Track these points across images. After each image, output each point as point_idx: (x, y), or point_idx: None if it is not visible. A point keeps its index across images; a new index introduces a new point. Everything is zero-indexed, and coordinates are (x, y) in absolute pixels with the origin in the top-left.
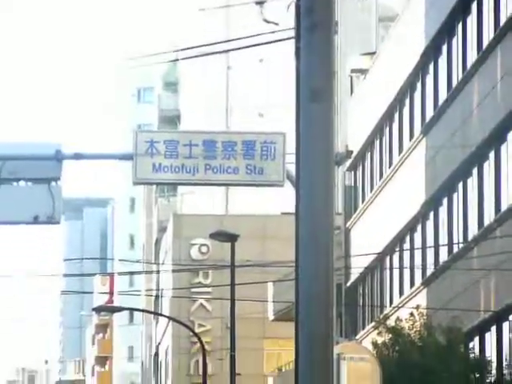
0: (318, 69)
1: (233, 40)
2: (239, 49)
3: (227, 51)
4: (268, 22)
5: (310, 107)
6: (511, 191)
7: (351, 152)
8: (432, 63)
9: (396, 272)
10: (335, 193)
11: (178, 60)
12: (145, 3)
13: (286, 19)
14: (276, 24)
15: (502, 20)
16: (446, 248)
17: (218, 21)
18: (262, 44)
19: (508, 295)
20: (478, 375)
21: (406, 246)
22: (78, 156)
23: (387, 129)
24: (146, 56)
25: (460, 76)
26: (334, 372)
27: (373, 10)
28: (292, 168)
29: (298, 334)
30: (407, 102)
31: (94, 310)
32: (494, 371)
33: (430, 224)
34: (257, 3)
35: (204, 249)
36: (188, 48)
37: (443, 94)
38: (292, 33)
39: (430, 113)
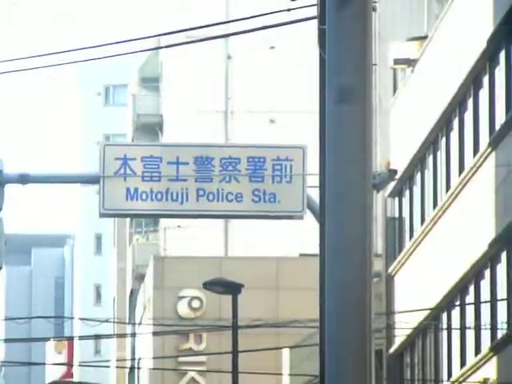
0: (349, 60)
1: (233, 21)
2: (242, 33)
3: (226, 36)
4: None
5: (340, 110)
6: None
7: (395, 172)
8: (503, 49)
9: (456, 334)
10: (373, 227)
11: (160, 48)
12: None
13: None
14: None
15: None
16: None
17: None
18: (273, 26)
19: None
20: None
21: (470, 298)
22: (24, 178)
23: (443, 140)
24: (117, 43)
25: None
26: None
27: None
28: (315, 194)
29: None
30: (470, 102)
31: None
32: None
33: (501, 268)
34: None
35: (196, 303)
36: (173, 32)
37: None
38: (315, 11)
39: (501, 118)
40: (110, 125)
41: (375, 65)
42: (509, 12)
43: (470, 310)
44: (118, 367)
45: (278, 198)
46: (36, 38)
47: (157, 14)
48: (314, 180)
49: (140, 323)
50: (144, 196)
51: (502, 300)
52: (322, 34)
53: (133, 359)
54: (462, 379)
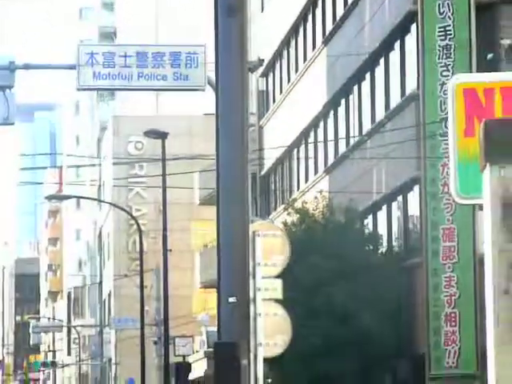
0: None
1: None
2: None
3: None
4: None
5: (227, 21)
6: (397, 93)
7: (262, 60)
8: None
9: (302, 162)
10: (249, 95)
11: None
12: None
13: None
14: None
15: None
16: (344, 141)
17: None
18: None
19: (396, 179)
20: (371, 247)
21: (311, 139)
22: (28, 66)
23: (293, 41)
24: None
25: None
26: (250, 246)
27: None
28: (212, 75)
29: (219, 215)
30: (310, 17)
31: (46, 198)
32: (385, 243)
33: (330, 121)
34: None
35: (139, 145)
36: None
37: (340, 10)
38: None
39: (329, 26)
40: (83, 33)
41: None
42: None
43: (311, 147)
44: (91, 185)
45: (189, 78)
46: None
47: None
48: (212, 66)
49: (104, 158)
50: (104, 77)
51: (330, 141)
52: None
53: (100, 180)
54: (306, 190)
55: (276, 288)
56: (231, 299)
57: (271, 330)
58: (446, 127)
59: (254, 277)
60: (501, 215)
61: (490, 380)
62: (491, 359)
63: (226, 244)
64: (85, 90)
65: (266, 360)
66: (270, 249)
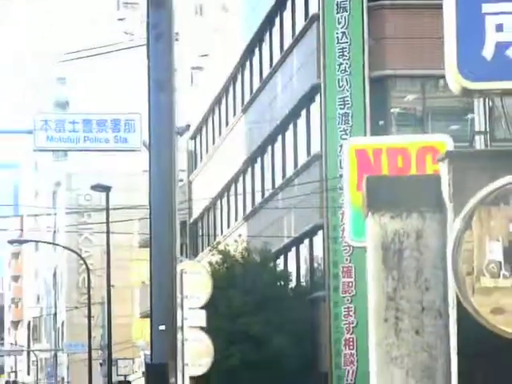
0: (162, 66)
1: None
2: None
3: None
4: (127, 33)
5: (158, 94)
6: (303, 153)
7: (189, 126)
8: (248, 62)
9: (225, 211)
10: (178, 155)
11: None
12: None
13: (141, 31)
14: (132, 35)
15: (298, 28)
16: (259, 193)
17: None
18: (120, 50)
19: (303, 226)
20: (282, 282)
21: (232, 192)
22: None
23: (217, 109)
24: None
25: (268, 70)
26: (178, 282)
27: (208, 20)
28: (147, 138)
29: (152, 256)
30: (231, 89)
31: (8, 242)
32: (294, 279)
33: (248, 176)
34: (119, 19)
35: (88, 197)
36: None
37: (256, 83)
38: (145, 41)
39: (247, 97)
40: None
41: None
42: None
43: (232, 199)
44: (47, 231)
45: (128, 141)
46: None
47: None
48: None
49: (59, 207)
50: (56, 140)
51: (248, 193)
52: (148, 53)
53: (55, 227)
54: (228, 235)
55: (200, 317)
56: (161, 327)
57: (196, 353)
58: None
59: (181, 308)
60: (381, 255)
61: None
62: (372, 376)
63: (157, 280)
64: (40, 150)
65: (192, 378)
66: (195, 284)
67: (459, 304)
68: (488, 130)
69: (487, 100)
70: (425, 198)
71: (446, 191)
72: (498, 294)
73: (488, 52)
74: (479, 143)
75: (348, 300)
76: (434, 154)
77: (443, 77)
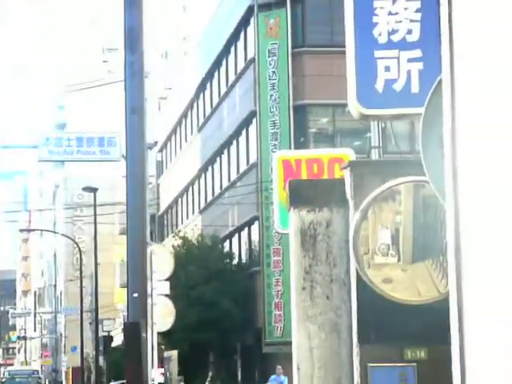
0: (136, 96)
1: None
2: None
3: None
4: (110, 72)
5: (132, 117)
6: (244, 162)
7: (156, 142)
8: (202, 94)
9: (184, 206)
10: (148, 164)
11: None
12: None
13: (120, 70)
14: (114, 73)
15: (239, 68)
16: (211, 192)
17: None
18: (104, 84)
19: (244, 217)
20: (228, 260)
21: (190, 192)
22: (6, 147)
23: (179, 128)
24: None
25: (217, 100)
26: (148, 260)
27: (171, 62)
28: (124, 151)
29: (128, 241)
30: (189, 113)
31: (20, 230)
32: (236, 258)
33: (202, 180)
34: (103, 61)
35: (80, 196)
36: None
37: (208, 110)
38: (123, 77)
39: (201, 120)
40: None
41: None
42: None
43: (190, 196)
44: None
45: (110, 153)
46: None
47: None
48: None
49: (57, 205)
50: (55, 153)
51: (203, 192)
52: (125, 86)
53: (54, 220)
54: (187, 225)
55: (165, 287)
56: (135, 294)
57: (162, 314)
58: None
59: (151, 280)
60: (300, 239)
61: (293, 343)
62: (294, 330)
63: (132, 259)
64: (43, 161)
65: (159, 333)
66: (161, 262)
67: (358, 276)
68: (381, 145)
69: (380, 122)
70: (333, 197)
71: (349, 191)
72: (386, 268)
73: (379, 86)
74: (374, 155)
75: (277, 273)
76: (341, 163)
77: (347, 105)
